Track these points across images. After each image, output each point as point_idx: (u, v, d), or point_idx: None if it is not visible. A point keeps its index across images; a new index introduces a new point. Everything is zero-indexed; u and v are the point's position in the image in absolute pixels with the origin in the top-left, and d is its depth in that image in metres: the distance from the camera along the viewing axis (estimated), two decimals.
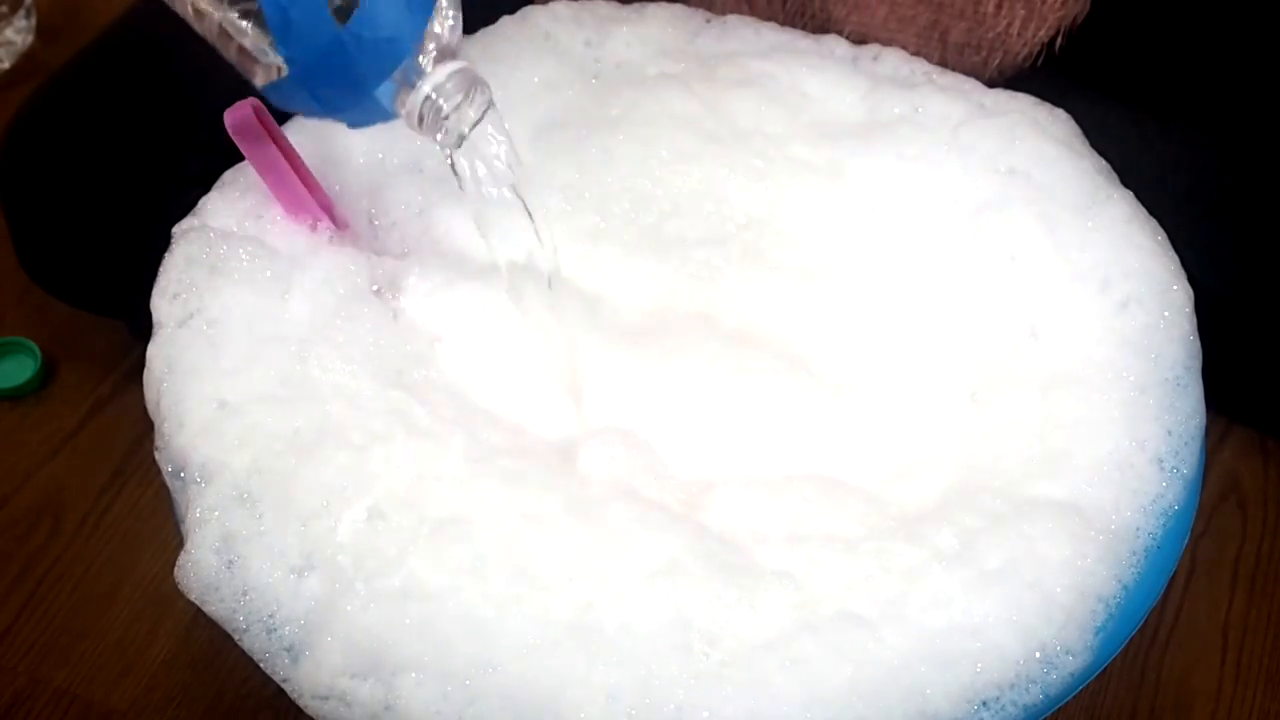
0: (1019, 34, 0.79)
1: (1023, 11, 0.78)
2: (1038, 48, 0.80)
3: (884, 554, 0.57)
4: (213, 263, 0.63)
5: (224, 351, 0.60)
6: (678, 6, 0.79)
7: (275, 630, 0.54)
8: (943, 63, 0.77)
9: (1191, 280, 0.65)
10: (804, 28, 0.80)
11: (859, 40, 0.78)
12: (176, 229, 0.65)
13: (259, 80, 0.53)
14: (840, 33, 0.79)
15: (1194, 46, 0.85)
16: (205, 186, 0.67)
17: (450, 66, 0.54)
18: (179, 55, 0.80)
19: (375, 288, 0.65)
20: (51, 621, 0.84)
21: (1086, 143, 0.71)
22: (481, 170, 0.57)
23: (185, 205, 0.66)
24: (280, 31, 0.51)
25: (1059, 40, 0.80)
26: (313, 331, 0.61)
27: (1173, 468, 0.59)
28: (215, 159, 0.68)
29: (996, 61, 0.81)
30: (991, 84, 0.75)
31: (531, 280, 0.61)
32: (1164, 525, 0.58)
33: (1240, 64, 0.83)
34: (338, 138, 0.70)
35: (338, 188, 0.68)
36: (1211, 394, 0.63)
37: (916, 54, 0.76)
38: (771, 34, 0.77)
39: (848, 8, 0.79)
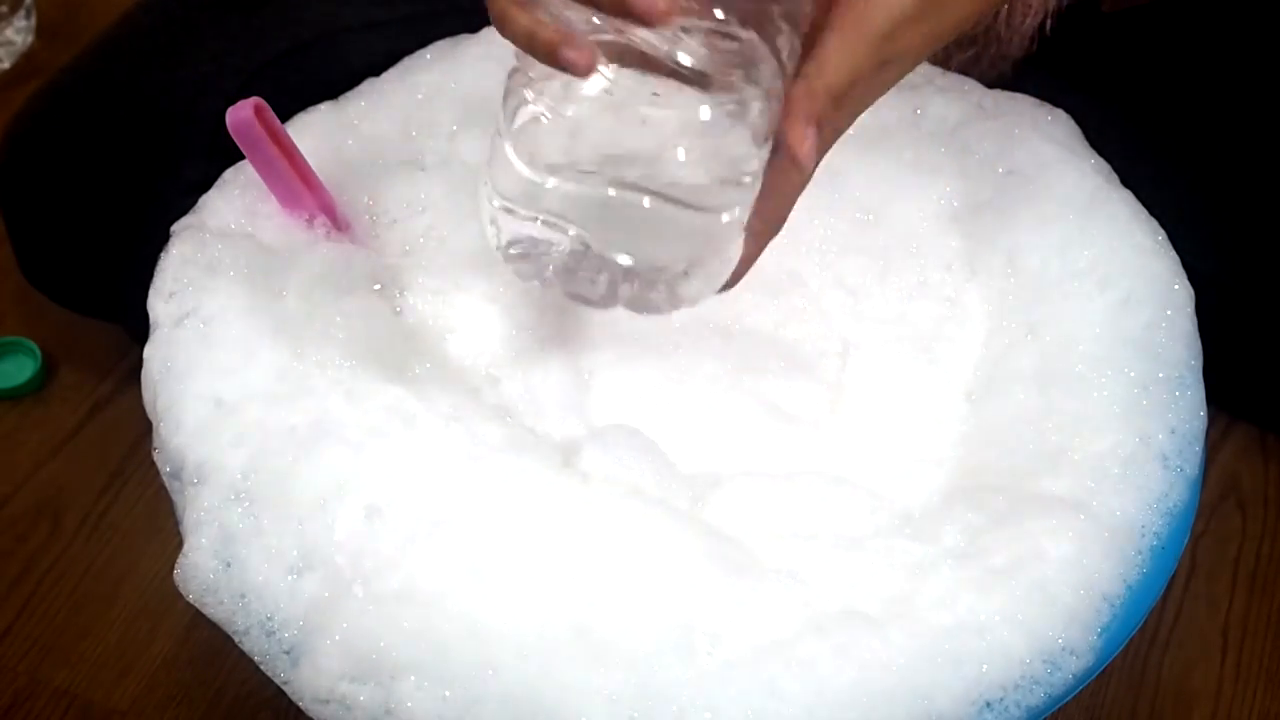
0: (1006, 23, 0.78)
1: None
2: (1029, 35, 0.79)
3: (889, 552, 0.57)
4: (209, 261, 0.63)
5: (220, 350, 0.60)
6: None
7: (274, 633, 0.54)
8: (934, 63, 0.77)
9: (1191, 279, 0.65)
10: None
11: None
12: (174, 227, 0.65)
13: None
14: None
15: (1193, 47, 0.84)
16: (205, 192, 0.67)
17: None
18: (178, 60, 0.80)
19: (377, 285, 0.65)
20: (51, 621, 0.84)
21: (1086, 143, 0.71)
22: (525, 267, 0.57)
23: (184, 211, 0.66)
24: None
25: (1048, 23, 0.78)
26: (310, 328, 0.61)
27: (1177, 466, 0.59)
28: (214, 164, 0.68)
29: (991, 52, 0.80)
30: (989, 83, 0.75)
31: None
32: (1169, 524, 0.58)
33: (1239, 64, 0.83)
34: (339, 137, 0.70)
35: (339, 186, 0.68)
36: (1211, 391, 0.63)
37: None
38: None
39: None
